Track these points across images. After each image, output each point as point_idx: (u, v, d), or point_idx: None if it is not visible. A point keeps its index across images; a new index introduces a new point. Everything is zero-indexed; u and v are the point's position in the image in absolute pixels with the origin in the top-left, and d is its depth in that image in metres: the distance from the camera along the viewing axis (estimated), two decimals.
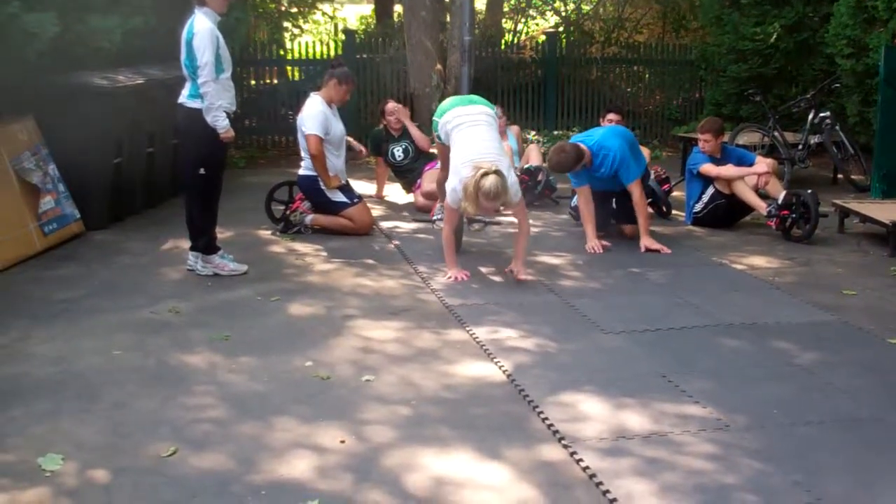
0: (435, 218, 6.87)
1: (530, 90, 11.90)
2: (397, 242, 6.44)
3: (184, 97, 5.33)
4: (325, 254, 6.13)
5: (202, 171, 5.35)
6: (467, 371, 4.02)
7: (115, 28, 6.87)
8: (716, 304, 5.01)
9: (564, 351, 4.27)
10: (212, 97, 5.16)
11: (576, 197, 6.64)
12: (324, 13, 16.50)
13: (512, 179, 5.21)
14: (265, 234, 6.69)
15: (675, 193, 7.78)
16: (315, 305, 4.97)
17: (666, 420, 3.49)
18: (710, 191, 6.95)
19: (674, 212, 7.41)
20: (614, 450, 3.24)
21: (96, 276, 5.52)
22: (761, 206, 6.68)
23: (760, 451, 3.24)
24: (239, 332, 4.52)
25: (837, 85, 9.29)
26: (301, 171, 6.64)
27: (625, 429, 3.42)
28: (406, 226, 7.03)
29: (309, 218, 6.65)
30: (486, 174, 4.98)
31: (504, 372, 4.00)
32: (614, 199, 6.60)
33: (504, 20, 14.75)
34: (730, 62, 10.79)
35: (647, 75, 12.78)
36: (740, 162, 6.96)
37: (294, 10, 15.25)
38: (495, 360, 4.13)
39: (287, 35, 14.81)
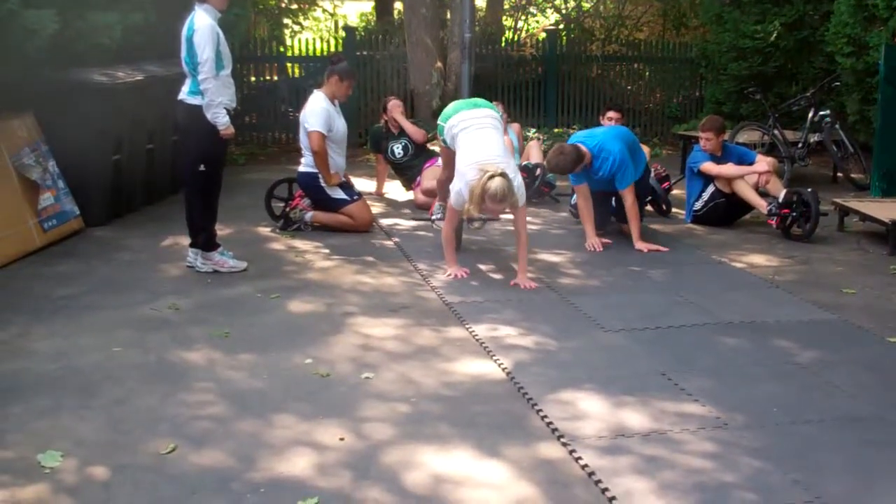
0: (433, 217, 6.86)
1: (531, 87, 11.91)
2: (397, 240, 6.44)
3: (184, 94, 5.33)
4: (324, 251, 6.12)
5: (202, 167, 5.35)
6: (467, 369, 4.02)
7: (115, 24, 6.86)
8: (715, 302, 5.01)
9: (564, 349, 4.27)
10: (212, 94, 5.16)
11: (575, 195, 6.64)
12: (324, 10, 16.51)
13: (518, 182, 5.20)
14: (265, 230, 6.69)
15: (674, 191, 7.77)
16: (315, 302, 4.97)
17: (665, 418, 3.49)
18: (711, 189, 6.94)
19: (674, 210, 7.41)
20: (613, 448, 3.24)
21: (96, 272, 5.52)
22: (762, 205, 6.68)
23: (760, 449, 3.24)
24: (238, 329, 4.52)
25: (837, 83, 9.29)
26: (301, 168, 6.64)
27: (624, 427, 3.41)
28: (406, 223, 7.02)
29: (309, 215, 6.65)
30: (492, 177, 4.98)
31: (503, 370, 4.00)
32: (614, 198, 6.59)
33: (504, 17, 14.74)
34: (730, 60, 10.78)
35: (647, 73, 12.78)
36: (741, 160, 6.95)
37: (294, 6, 15.25)
38: (495, 357, 4.13)
39: (287, 32, 14.81)
